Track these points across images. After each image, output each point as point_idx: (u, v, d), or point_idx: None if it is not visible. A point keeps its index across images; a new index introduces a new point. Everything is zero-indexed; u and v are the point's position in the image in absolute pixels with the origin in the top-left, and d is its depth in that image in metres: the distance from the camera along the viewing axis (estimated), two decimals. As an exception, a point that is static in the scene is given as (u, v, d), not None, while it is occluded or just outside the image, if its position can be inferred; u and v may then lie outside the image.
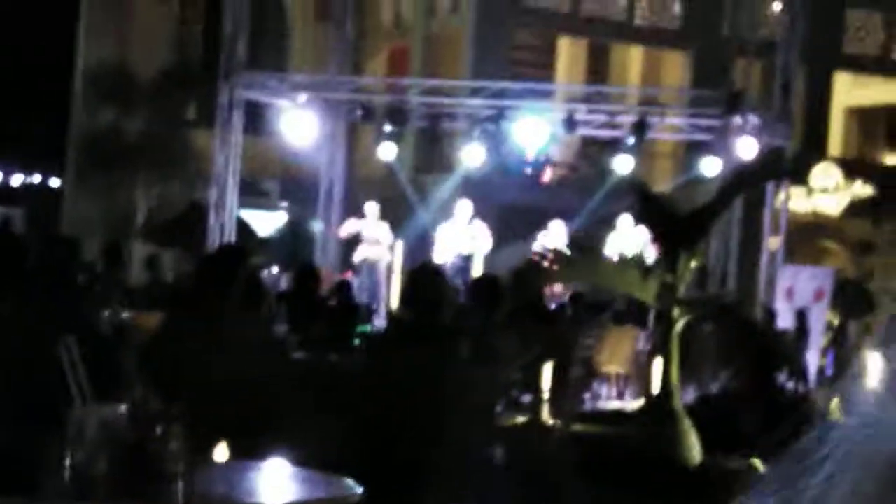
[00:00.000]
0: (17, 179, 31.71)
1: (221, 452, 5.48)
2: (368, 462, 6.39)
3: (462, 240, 18.12)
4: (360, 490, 4.43)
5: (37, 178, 31.53)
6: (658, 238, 12.48)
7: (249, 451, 5.29)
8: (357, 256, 18.75)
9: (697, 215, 11.13)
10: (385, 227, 18.79)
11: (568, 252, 17.55)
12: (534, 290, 11.83)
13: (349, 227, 18.92)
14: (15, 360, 5.80)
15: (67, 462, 3.96)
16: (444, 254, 17.95)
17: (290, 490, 4.71)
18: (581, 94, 22.15)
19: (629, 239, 18.15)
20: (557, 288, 16.62)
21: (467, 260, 17.89)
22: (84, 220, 23.74)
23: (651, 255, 16.06)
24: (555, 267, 11.15)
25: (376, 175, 23.79)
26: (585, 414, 11.99)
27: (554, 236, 18.42)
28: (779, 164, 18.31)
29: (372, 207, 18.98)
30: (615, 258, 17.45)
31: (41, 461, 4.05)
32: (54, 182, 30.12)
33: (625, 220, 18.32)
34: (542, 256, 11.61)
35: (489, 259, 18.20)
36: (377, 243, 18.59)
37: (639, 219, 16.53)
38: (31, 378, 5.47)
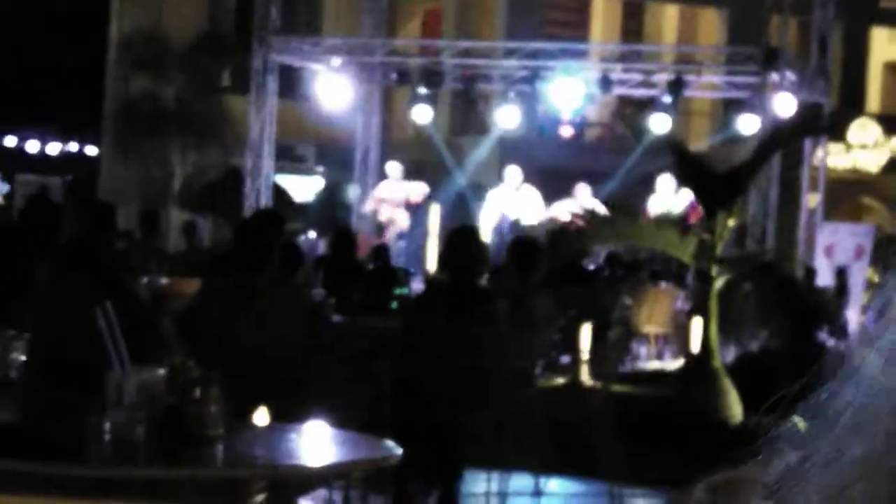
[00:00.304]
0: (53, 148, 31.86)
1: (261, 416, 5.48)
2: (407, 424, 6.39)
3: (510, 205, 18.10)
4: (399, 451, 4.41)
5: (73, 147, 31.67)
6: (696, 197, 12.41)
7: (289, 414, 5.30)
8: (381, 216, 18.83)
9: (735, 173, 11.05)
10: (408, 186, 18.78)
11: (603, 212, 17.54)
12: (571, 251, 11.79)
13: (373, 201, 18.96)
14: (53, 325, 5.82)
15: (107, 426, 3.97)
16: (491, 219, 17.91)
17: (331, 451, 4.71)
18: (616, 53, 22.01)
19: (669, 199, 18.06)
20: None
21: (514, 225, 17.85)
22: (121, 188, 23.82)
23: (693, 217, 15.96)
24: (591, 228, 11.11)
25: (411, 138, 23.75)
26: (625, 375, 11.96)
27: (580, 200, 18.35)
28: (816, 120, 18.18)
29: (393, 168, 18.99)
30: (654, 218, 17.40)
31: (81, 426, 4.06)
32: (91, 150, 30.24)
33: (664, 181, 18.21)
34: (579, 217, 11.57)
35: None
36: (396, 205, 18.62)
37: (677, 178, 16.44)
38: (69, 344, 5.49)
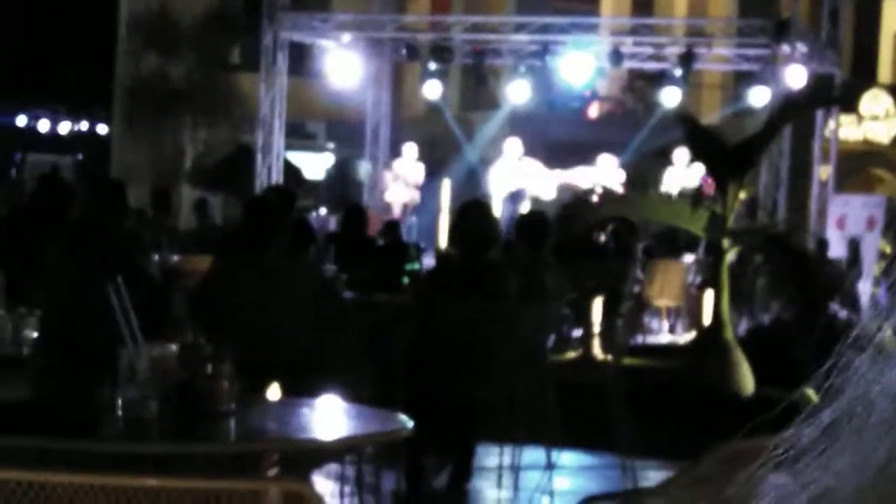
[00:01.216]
0: (64, 127, 31.87)
1: (273, 392, 5.50)
2: (419, 399, 6.41)
3: (512, 177, 18.09)
4: (411, 424, 4.42)
5: (84, 126, 31.68)
6: (707, 169, 12.40)
7: (300, 391, 5.31)
8: (387, 196, 18.82)
9: (746, 145, 11.03)
10: (419, 169, 18.81)
11: (619, 188, 17.52)
12: (581, 224, 11.80)
13: (390, 184, 18.95)
14: (65, 302, 5.84)
15: (119, 402, 3.98)
16: (496, 192, 17.91)
17: (343, 425, 4.72)
18: (627, 26, 21.94)
19: (685, 173, 18.04)
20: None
21: (517, 198, 17.85)
22: (132, 166, 23.84)
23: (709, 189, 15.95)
24: (603, 201, 11.12)
25: (422, 114, 23.73)
26: (636, 348, 11.97)
27: (604, 171, 18.35)
28: (828, 92, 18.13)
29: (410, 149, 19.00)
30: (672, 192, 17.40)
31: (93, 402, 4.08)
32: (102, 129, 30.25)
33: (680, 154, 18.18)
34: (590, 191, 11.58)
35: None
36: (406, 185, 18.63)
37: (689, 151, 16.41)
38: (80, 320, 5.51)
